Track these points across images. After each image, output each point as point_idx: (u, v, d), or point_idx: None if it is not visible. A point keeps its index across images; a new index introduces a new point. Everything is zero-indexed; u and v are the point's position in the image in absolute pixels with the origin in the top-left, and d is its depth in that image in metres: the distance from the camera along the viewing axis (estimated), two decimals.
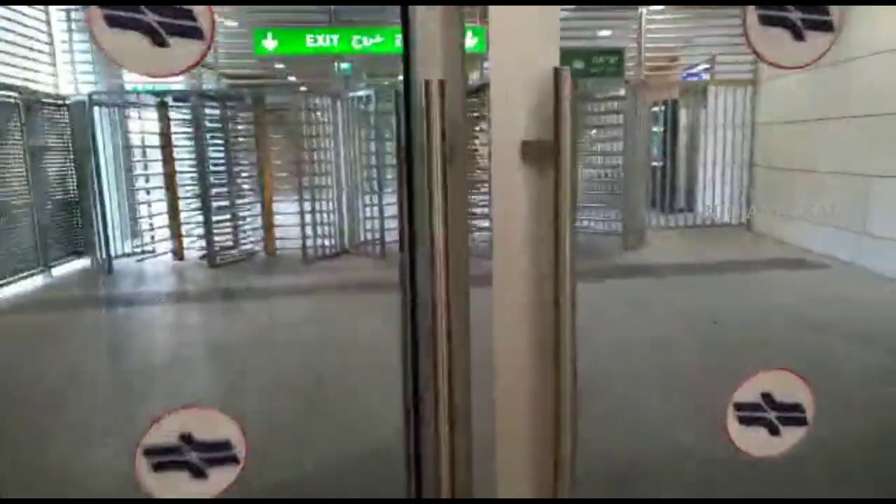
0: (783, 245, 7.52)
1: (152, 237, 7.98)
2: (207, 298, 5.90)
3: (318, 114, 7.49)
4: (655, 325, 4.68)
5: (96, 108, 6.95)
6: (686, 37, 8.58)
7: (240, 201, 7.89)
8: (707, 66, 8.97)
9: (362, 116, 7.42)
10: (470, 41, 7.99)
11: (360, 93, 7.37)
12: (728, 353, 4.00)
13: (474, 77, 8.80)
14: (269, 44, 7.70)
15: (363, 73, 10.14)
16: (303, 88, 7.79)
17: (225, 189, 7.74)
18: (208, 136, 7.45)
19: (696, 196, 9.74)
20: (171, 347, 4.55)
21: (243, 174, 7.93)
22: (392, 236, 7.70)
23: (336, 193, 7.70)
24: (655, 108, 9.19)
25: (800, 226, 7.30)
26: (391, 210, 7.63)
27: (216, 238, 7.41)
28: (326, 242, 7.62)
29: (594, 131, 8.59)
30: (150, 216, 7.98)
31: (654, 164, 9.16)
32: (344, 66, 9.69)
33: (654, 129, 9.31)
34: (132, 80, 8.40)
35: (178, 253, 7.75)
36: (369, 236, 7.64)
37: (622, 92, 7.68)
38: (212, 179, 7.38)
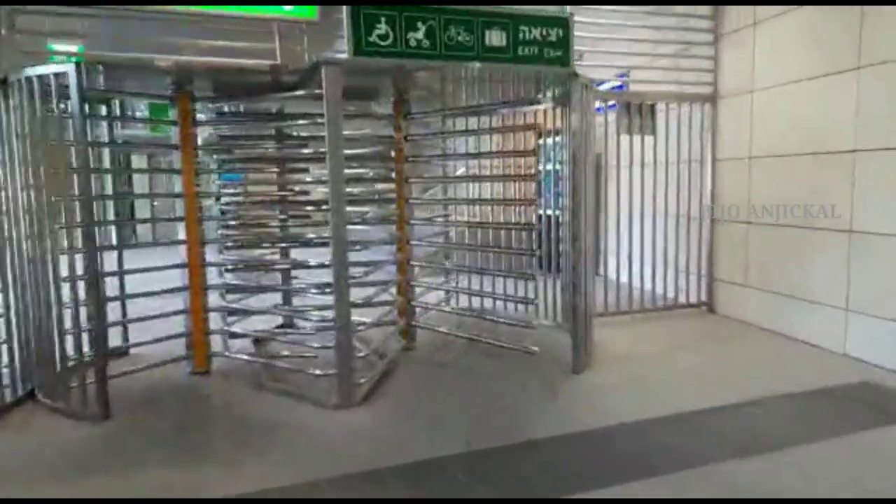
0: (781, 338, 4.90)
1: None
2: None
3: None
4: None
5: None
6: (616, 23, 5.76)
7: None
8: (623, 74, 6.34)
9: (52, 120, 3.49)
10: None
11: (43, 70, 3.42)
12: None
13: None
14: None
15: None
16: None
17: None
18: None
19: (604, 258, 6.89)
20: None
21: None
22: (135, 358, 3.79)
23: (11, 271, 3.61)
24: (541, 141, 6.28)
25: (816, 311, 4.71)
26: (121, 308, 3.72)
27: None
28: None
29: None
30: None
31: (547, 212, 6.25)
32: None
33: (541, 166, 6.42)
34: None
35: None
36: (77, 360, 3.61)
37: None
38: None
